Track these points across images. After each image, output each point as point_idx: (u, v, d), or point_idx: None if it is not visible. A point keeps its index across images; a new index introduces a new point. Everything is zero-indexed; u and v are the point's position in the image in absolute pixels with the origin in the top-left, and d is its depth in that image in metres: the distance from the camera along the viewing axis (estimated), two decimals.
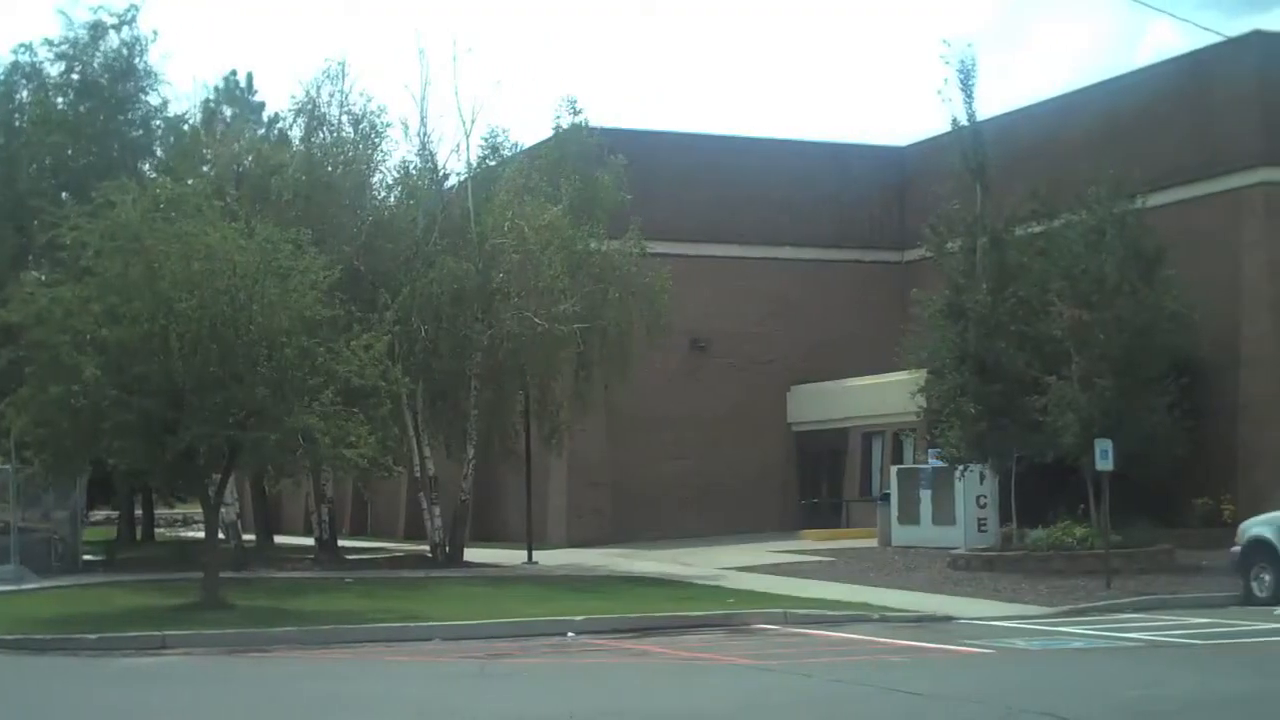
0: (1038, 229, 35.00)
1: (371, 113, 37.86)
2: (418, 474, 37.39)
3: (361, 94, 38.27)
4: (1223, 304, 36.54)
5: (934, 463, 37.11)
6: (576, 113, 38.54)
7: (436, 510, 37.23)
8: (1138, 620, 24.52)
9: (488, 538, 42.91)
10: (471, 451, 37.19)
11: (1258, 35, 37.86)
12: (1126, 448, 29.19)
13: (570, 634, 23.04)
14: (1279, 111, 37.55)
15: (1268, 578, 27.05)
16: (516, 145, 38.82)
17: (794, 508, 47.35)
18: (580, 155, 38.15)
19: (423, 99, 37.49)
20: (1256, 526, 27.93)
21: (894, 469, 40.84)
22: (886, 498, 40.19)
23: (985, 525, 36.07)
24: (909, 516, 38.80)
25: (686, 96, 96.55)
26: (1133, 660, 20.04)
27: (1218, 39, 36.33)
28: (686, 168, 47.11)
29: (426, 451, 37.16)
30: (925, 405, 35.54)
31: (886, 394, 41.18)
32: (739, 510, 45.99)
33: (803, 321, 48.07)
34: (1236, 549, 27.99)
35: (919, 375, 35.88)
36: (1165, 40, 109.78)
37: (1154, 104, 39.80)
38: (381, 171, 38.83)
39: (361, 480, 46.09)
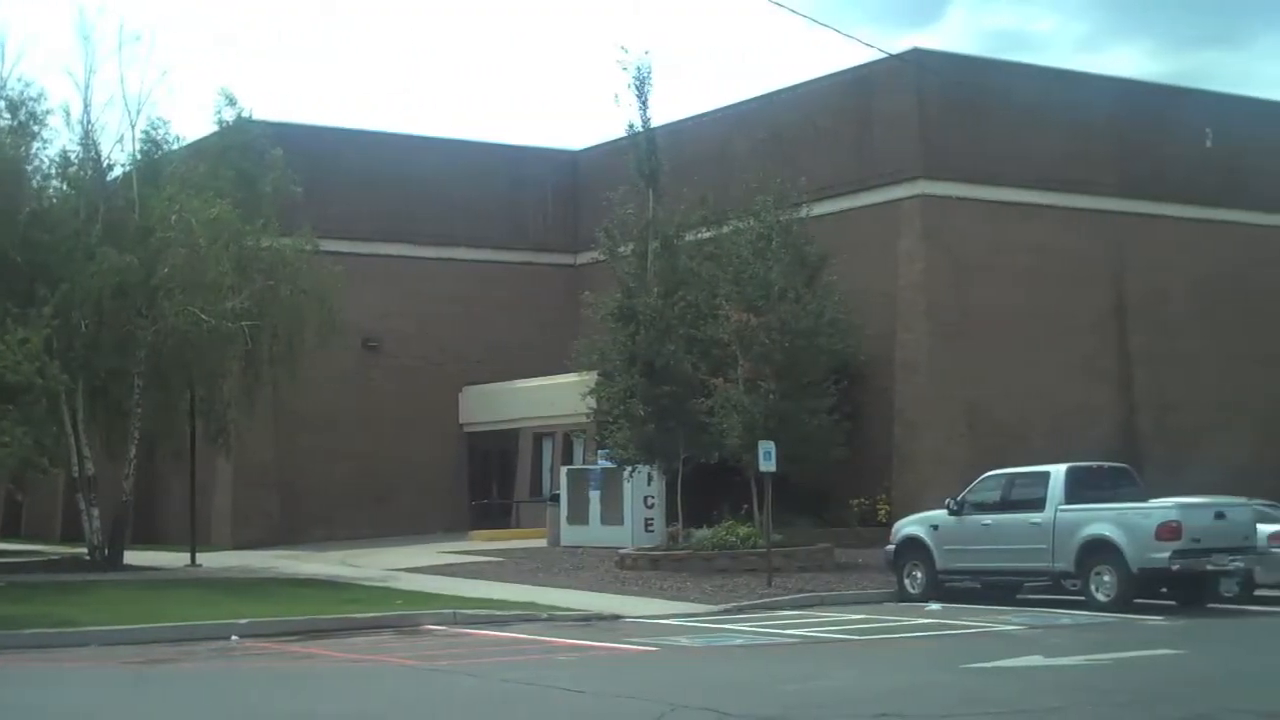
0: (707, 235, 35.79)
1: (30, 99, 36.45)
2: (76, 474, 36.14)
3: (20, 79, 36.77)
4: (881, 311, 37.89)
5: (603, 463, 37.53)
6: (232, 103, 37.78)
7: (95, 512, 36.00)
8: (798, 617, 25.22)
9: (151, 540, 41.78)
10: (134, 451, 36.10)
11: (916, 52, 39.26)
12: (788, 449, 29.99)
13: (234, 638, 22.60)
14: (936, 126, 39.08)
15: (920, 574, 28.20)
16: (178, 138, 37.81)
17: (465, 509, 47.31)
18: (243, 149, 37.38)
19: (86, 87, 36.19)
20: (909, 525, 29.08)
21: (564, 470, 41.15)
22: (556, 498, 40.47)
23: (652, 525, 36.65)
24: (578, 517, 39.15)
25: (364, 94, 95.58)
26: (792, 656, 20.59)
27: (880, 55, 37.54)
28: (362, 166, 46.68)
29: (86, 451, 35.88)
30: (595, 407, 35.95)
31: (558, 395, 41.50)
32: (410, 511, 45.77)
33: (476, 322, 48.14)
34: (891, 547, 29.10)
35: (590, 377, 36.30)
36: (834, 52, 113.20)
37: (819, 116, 41.03)
38: (40, 160, 37.40)
39: (13, 480, 44.41)
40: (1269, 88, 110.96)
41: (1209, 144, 42.42)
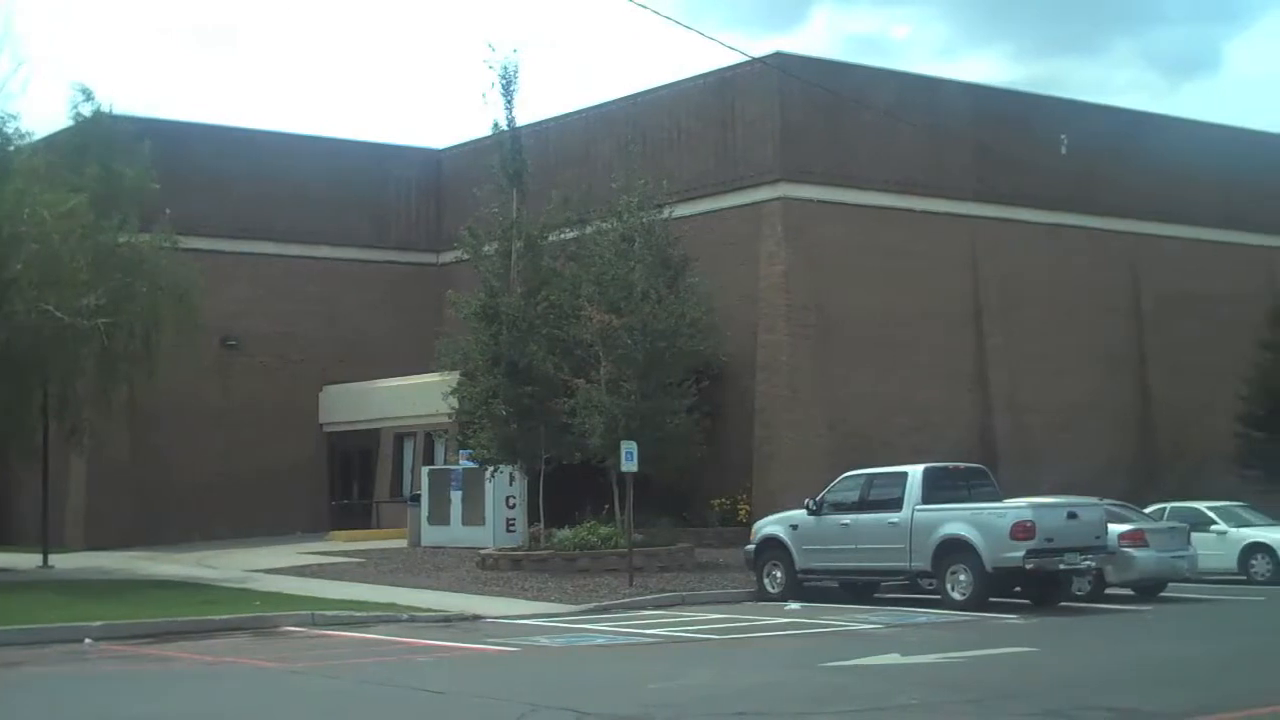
0: (571, 235, 35.80)
1: None
2: None
3: None
4: (743, 311, 38.16)
5: (465, 464, 37.40)
6: (89, 98, 37.11)
7: None
8: (659, 617, 25.34)
9: (1, 541, 41.05)
10: None
11: (778, 56, 39.53)
12: (650, 449, 30.10)
13: (88, 640, 22.21)
14: (797, 129, 39.40)
15: (779, 574, 28.46)
16: (29, 133, 37.04)
17: (325, 509, 46.92)
18: (103, 143, 36.71)
19: None
20: (769, 525, 29.30)
21: (425, 470, 40.92)
22: (417, 499, 40.24)
23: (514, 525, 36.59)
24: (439, 517, 38.97)
25: (228, 90, 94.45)
26: (653, 655, 20.66)
27: (743, 58, 37.75)
28: (223, 162, 46.03)
29: None
30: (457, 406, 35.81)
31: (420, 395, 41.30)
32: (269, 512, 45.24)
33: (337, 321, 47.75)
34: (751, 547, 29.33)
35: (452, 377, 36.16)
36: (698, 55, 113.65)
37: (683, 118, 41.22)
38: None
39: None
40: (1121, 95, 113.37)
41: (1064, 150, 43.22)
